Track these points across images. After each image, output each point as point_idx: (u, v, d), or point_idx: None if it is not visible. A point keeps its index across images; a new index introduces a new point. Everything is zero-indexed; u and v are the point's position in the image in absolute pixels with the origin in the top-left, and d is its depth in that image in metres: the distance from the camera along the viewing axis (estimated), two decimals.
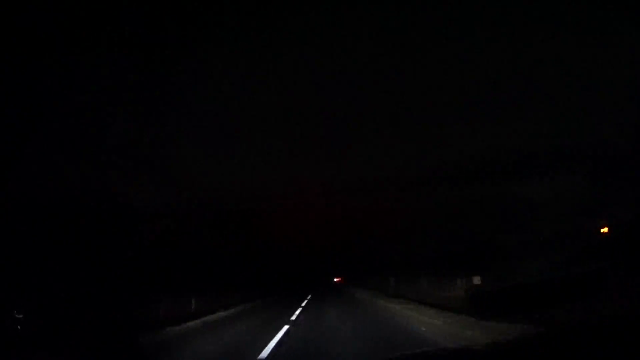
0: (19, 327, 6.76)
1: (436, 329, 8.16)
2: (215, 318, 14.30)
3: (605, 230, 15.52)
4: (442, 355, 2.27)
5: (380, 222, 11.45)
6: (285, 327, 9.78)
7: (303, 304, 18.20)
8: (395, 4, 2.85)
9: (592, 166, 7.44)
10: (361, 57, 3.43)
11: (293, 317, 12.44)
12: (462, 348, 3.18)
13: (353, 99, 4.00)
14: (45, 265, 6.80)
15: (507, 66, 3.15)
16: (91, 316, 7.23)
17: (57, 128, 4.79)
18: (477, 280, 9.54)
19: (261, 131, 4.71)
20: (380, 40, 3.20)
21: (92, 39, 3.08)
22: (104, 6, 2.83)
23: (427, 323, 9.18)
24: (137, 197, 7.18)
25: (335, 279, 64.70)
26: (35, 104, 4.10)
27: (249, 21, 3.04)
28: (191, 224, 9.43)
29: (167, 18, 3.02)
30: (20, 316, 6.90)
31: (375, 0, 2.85)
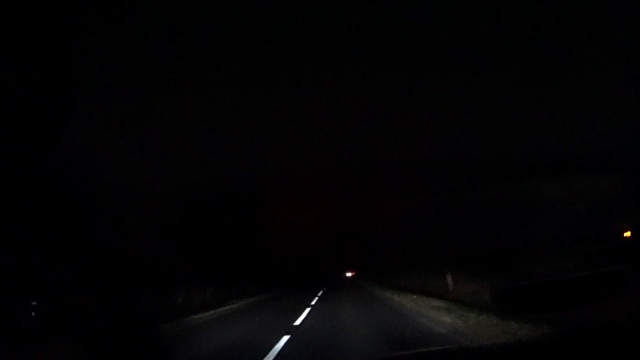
0: (33, 314, 6.81)
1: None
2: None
3: (628, 234, 15.34)
4: (455, 353, 2.28)
5: (397, 217, 11.28)
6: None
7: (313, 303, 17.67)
8: None
9: (619, 168, 7.29)
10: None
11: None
12: (476, 347, 3.16)
13: (367, 73, 3.94)
14: (59, 252, 6.83)
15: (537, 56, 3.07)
16: (107, 304, 7.24)
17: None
18: (502, 280, 9.46)
19: (269, 109, 4.69)
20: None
21: None
22: None
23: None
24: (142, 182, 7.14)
25: (348, 274, 63.68)
26: None
27: None
28: (194, 213, 9.40)
29: None
30: (35, 303, 6.92)
31: None
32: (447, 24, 0.85)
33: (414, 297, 14.78)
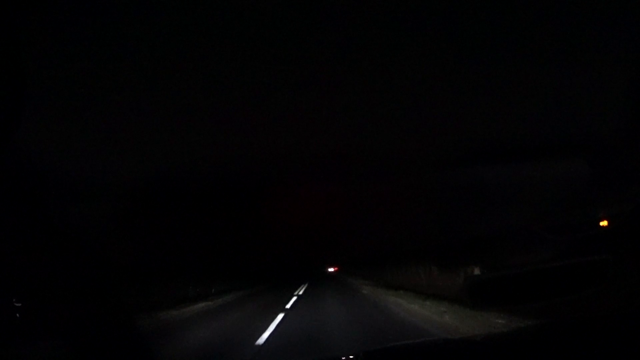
0: (17, 315, 6.76)
1: (425, 318, 8.18)
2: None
3: (605, 223, 15.72)
4: (438, 345, 2.22)
5: (378, 208, 11.38)
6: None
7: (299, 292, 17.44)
8: None
9: (594, 155, 7.33)
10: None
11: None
12: (459, 339, 3.13)
13: (345, 60, 3.93)
14: (40, 251, 6.77)
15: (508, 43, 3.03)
16: (87, 302, 7.26)
17: None
18: (477, 270, 9.53)
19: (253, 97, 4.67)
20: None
21: None
22: None
23: (417, 313, 9.20)
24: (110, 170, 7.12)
25: (330, 269, 58.49)
26: None
27: None
28: (167, 204, 9.40)
29: None
30: (20, 304, 6.90)
31: None
32: (422, 16, 0.87)
33: (400, 292, 14.88)
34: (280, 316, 10.04)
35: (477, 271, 9.54)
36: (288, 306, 12.49)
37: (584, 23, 0.99)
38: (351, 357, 2.05)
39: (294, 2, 0.88)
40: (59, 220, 1.44)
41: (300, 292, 18.86)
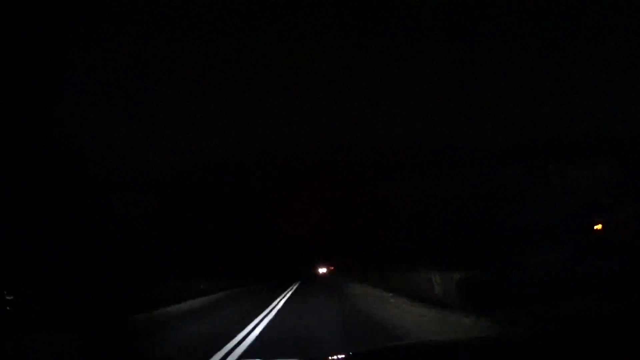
0: (8, 308, 6.70)
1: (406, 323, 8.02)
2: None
3: (599, 227, 15.82)
4: (428, 348, 2.24)
5: (377, 209, 11.39)
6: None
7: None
8: None
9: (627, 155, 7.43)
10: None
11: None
12: (449, 341, 3.17)
13: (350, 63, 3.96)
14: (34, 246, 6.73)
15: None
16: (82, 297, 7.22)
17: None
18: (470, 274, 9.48)
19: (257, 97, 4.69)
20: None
21: None
22: None
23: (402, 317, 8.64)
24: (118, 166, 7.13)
25: (320, 270, 49.16)
26: None
27: None
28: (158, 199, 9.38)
29: None
30: (11, 297, 6.83)
31: None
32: (437, 12, 0.86)
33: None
34: None
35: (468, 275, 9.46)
36: None
37: (621, 29, 0.99)
38: (341, 356, 2.06)
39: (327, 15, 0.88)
40: (93, 211, 1.44)
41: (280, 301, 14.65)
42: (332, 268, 51.28)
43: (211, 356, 6.99)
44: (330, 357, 2.42)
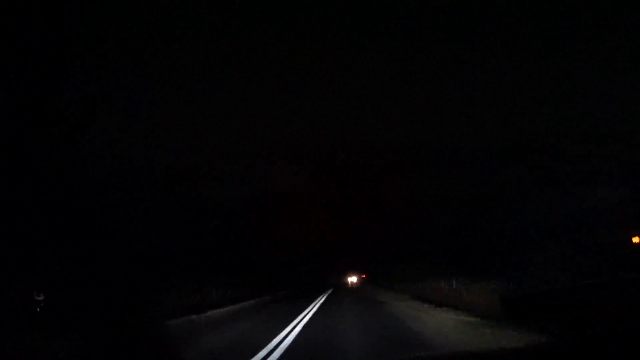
0: (38, 309, 6.59)
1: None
2: None
3: (637, 240, 15.35)
4: (455, 358, 2.22)
5: (380, 209, 11.35)
6: None
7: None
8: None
9: (630, 175, 7.42)
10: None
11: None
12: (473, 352, 3.14)
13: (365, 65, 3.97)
14: (34, 246, 6.72)
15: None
16: (82, 297, 7.21)
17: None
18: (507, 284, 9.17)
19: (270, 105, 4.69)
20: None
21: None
22: None
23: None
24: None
25: (351, 279, 43.91)
26: None
27: None
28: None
29: None
30: (41, 298, 6.72)
31: None
32: (439, 15, 0.87)
33: None
34: None
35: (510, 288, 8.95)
36: None
37: (621, 29, 0.99)
38: None
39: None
40: (93, 211, 1.45)
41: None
42: (364, 276, 47.11)
43: None
44: None
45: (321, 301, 16.14)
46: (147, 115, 5.91)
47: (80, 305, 7.35)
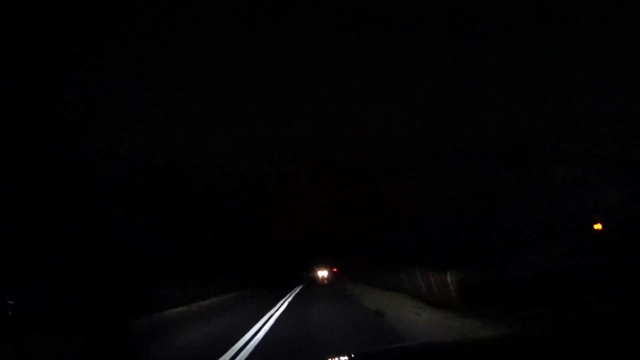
0: (10, 313, 6.62)
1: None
2: None
3: (599, 226, 15.73)
4: (430, 349, 2.22)
5: (377, 209, 11.38)
6: None
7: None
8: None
9: (590, 162, 7.44)
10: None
11: None
12: (451, 342, 3.15)
13: (351, 65, 3.95)
14: (36, 250, 6.72)
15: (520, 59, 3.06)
16: (82, 298, 7.21)
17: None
18: (465, 273, 9.32)
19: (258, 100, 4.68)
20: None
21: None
22: None
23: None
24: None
25: (320, 273, 43.84)
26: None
27: None
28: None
29: None
30: (12, 302, 6.76)
31: None
32: (437, 15, 0.85)
33: None
34: None
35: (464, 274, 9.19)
36: None
37: (621, 29, 0.98)
38: (343, 358, 2.03)
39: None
40: (93, 211, 1.46)
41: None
42: (336, 270, 46.23)
43: None
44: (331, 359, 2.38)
45: None
46: (147, 115, 5.92)
47: (80, 305, 7.36)
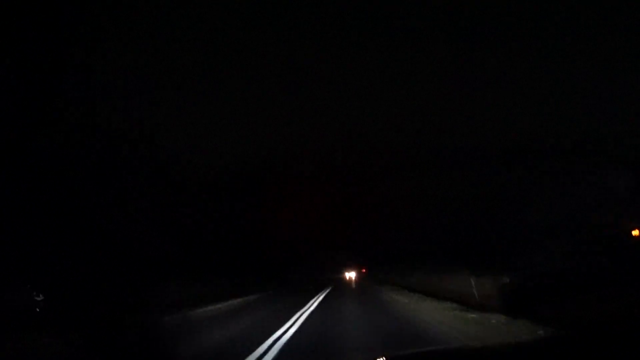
0: (37, 309, 6.56)
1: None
2: None
3: (636, 232, 15.27)
4: (450, 354, 2.22)
5: (380, 209, 11.37)
6: None
7: None
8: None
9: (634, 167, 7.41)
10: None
11: None
12: (480, 347, 3.12)
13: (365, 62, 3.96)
14: (36, 250, 6.70)
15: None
16: (82, 297, 7.19)
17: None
18: (505, 278, 9.05)
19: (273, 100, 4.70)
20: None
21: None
22: None
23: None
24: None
25: (347, 273, 42.11)
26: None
27: None
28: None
29: None
30: (40, 298, 6.68)
31: None
32: (438, 18, 0.88)
33: None
34: None
35: (505, 279, 8.94)
36: None
37: (621, 29, 0.99)
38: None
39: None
40: (93, 211, 1.46)
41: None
42: (364, 270, 44.10)
43: None
44: None
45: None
46: (147, 115, 5.92)
47: (80, 305, 7.35)
